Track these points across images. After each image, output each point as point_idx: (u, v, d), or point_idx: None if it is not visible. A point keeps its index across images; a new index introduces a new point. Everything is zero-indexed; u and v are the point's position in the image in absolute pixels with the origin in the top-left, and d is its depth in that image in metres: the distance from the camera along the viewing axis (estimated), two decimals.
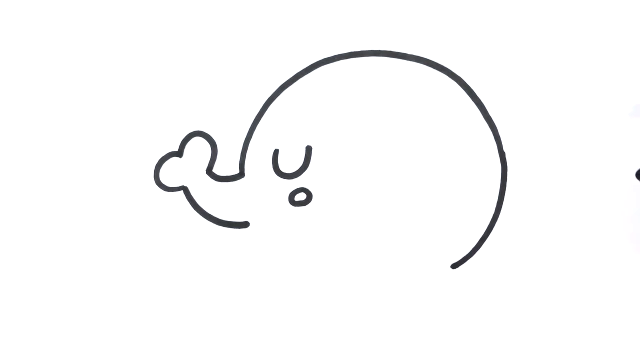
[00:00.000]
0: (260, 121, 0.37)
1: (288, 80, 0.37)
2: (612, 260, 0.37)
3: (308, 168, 0.37)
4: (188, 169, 0.37)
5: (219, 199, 0.37)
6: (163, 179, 0.36)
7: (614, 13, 0.38)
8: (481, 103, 0.38)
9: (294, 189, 0.36)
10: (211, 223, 0.37)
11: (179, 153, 0.37)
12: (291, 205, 0.37)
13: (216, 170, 0.37)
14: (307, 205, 0.37)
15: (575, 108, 0.38)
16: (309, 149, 0.37)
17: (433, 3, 0.37)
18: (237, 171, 0.37)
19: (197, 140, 0.37)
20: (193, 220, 0.37)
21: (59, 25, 0.36)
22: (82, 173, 0.36)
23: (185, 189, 0.37)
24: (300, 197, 0.37)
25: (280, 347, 0.37)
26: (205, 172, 0.37)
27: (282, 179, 0.37)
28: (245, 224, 0.37)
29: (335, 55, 0.37)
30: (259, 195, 0.37)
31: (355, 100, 0.37)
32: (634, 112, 0.38)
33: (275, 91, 0.37)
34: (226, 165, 0.37)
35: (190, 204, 0.37)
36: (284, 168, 0.37)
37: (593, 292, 0.37)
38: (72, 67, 0.36)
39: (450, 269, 0.37)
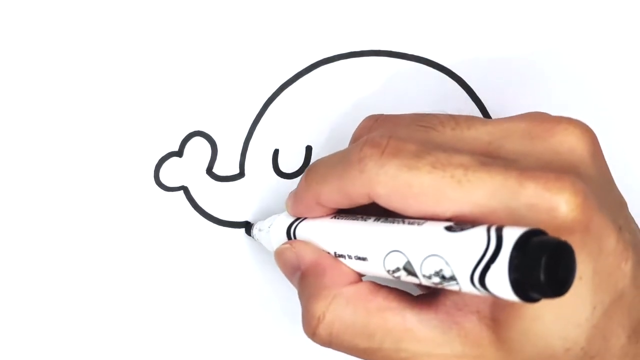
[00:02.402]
0: (260, 121, 0.37)
1: (288, 80, 0.37)
2: None
3: None
4: (188, 169, 0.37)
5: (219, 199, 0.37)
6: (163, 179, 0.36)
7: (617, 12, 0.38)
8: (481, 103, 0.38)
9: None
10: (211, 223, 0.37)
11: (179, 153, 0.37)
12: None
13: (216, 170, 0.37)
14: None
15: (575, 108, 0.38)
16: (309, 149, 0.37)
17: (433, 3, 0.37)
18: (237, 171, 0.37)
19: (197, 140, 0.37)
20: (193, 220, 0.37)
21: (58, 24, 0.36)
22: (81, 173, 0.36)
23: (185, 189, 0.37)
24: None
25: (280, 347, 0.37)
26: (205, 172, 0.37)
27: (282, 179, 0.37)
28: (245, 224, 0.37)
29: (335, 55, 0.37)
30: (259, 195, 0.37)
31: (355, 100, 0.37)
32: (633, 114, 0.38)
33: (275, 91, 0.37)
34: (226, 165, 0.37)
35: (190, 204, 0.37)
36: (284, 168, 0.37)
37: None
38: (71, 67, 0.36)
39: None
